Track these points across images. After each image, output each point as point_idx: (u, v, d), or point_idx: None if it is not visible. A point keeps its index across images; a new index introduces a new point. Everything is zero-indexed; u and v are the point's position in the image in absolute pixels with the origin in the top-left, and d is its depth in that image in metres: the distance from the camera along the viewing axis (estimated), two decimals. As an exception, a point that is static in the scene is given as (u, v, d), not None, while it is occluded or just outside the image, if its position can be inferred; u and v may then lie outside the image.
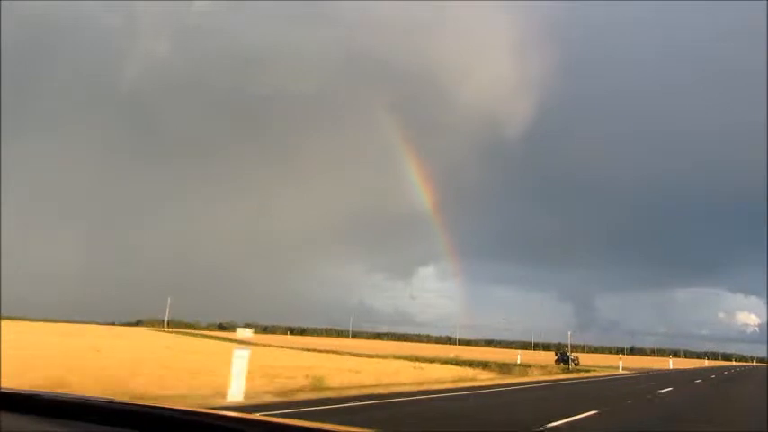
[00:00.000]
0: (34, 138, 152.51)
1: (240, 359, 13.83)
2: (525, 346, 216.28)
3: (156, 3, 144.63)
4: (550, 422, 11.59)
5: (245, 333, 20.33)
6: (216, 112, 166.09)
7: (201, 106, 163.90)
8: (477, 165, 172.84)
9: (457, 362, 45.57)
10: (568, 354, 55.20)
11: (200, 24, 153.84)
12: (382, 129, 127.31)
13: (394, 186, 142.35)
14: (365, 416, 12.27)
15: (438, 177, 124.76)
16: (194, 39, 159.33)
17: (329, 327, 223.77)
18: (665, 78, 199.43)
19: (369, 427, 2.05)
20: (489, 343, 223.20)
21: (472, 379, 28.30)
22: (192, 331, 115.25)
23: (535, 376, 34.15)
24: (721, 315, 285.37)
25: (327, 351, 54.66)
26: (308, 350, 57.33)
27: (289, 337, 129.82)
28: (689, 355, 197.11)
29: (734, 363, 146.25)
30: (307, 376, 19.54)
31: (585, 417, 13.11)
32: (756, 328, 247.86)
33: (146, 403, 2.27)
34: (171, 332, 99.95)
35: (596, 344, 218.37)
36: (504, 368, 38.97)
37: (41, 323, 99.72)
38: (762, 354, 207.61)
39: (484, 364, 41.91)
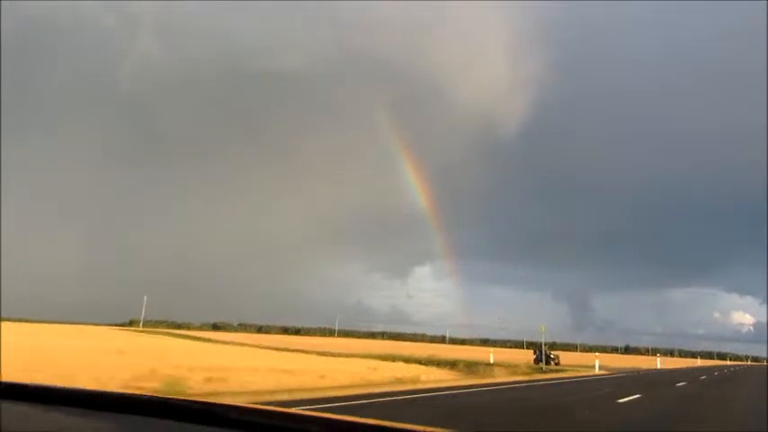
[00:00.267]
0: (32, 138, 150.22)
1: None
2: (519, 345, 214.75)
3: (154, 2, 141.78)
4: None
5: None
6: (215, 112, 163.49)
7: (201, 106, 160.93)
8: (474, 164, 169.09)
9: (425, 361, 41.70)
10: (547, 352, 50.43)
11: (199, 25, 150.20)
12: (380, 128, 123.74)
13: (391, 186, 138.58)
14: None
15: (435, 177, 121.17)
16: (193, 39, 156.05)
17: (325, 326, 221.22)
18: (665, 78, 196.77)
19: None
20: (485, 342, 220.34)
21: (413, 381, 23.98)
22: (172, 331, 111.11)
23: (495, 377, 29.73)
24: (717, 315, 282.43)
25: (298, 350, 51.30)
26: (278, 349, 53.52)
27: (276, 336, 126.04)
28: (684, 354, 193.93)
29: (728, 362, 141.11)
30: (209, 379, 16.80)
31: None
32: (751, 328, 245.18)
33: (165, 396, 2.16)
34: (142, 332, 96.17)
35: (592, 343, 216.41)
36: (471, 368, 35.51)
37: (33, 324, 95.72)
38: (757, 353, 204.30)
39: (452, 364, 38.33)
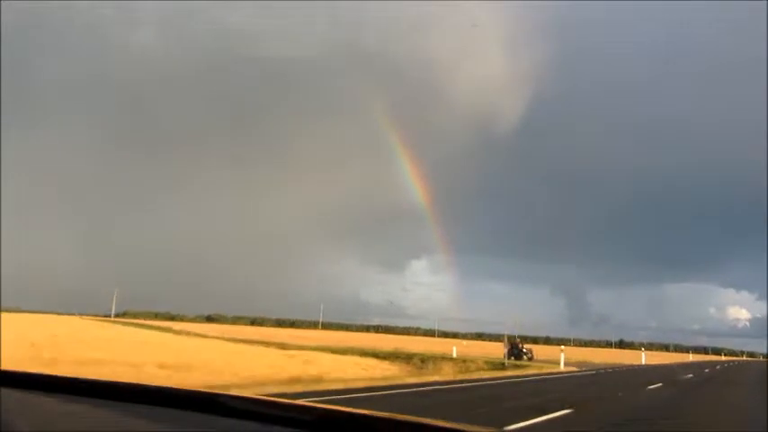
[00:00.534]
0: (25, 128, 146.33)
1: None
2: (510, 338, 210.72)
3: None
4: None
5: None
6: (212, 105, 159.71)
7: (198, 98, 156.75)
8: (470, 159, 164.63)
9: (384, 355, 37.12)
10: (520, 346, 45.37)
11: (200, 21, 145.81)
12: (377, 122, 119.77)
13: (389, 180, 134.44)
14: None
15: (432, 171, 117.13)
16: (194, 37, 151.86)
17: (316, 319, 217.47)
18: (666, 73, 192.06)
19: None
20: (479, 336, 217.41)
21: (317, 380, 19.19)
22: (142, 321, 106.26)
23: (439, 375, 24.78)
24: (712, 310, 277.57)
25: (258, 342, 48.74)
26: (235, 341, 50.28)
27: (258, 328, 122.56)
28: (679, 349, 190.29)
29: (723, 357, 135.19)
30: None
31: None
32: (747, 323, 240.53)
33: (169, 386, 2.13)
34: (114, 322, 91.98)
35: (588, 338, 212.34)
36: (426, 363, 31.82)
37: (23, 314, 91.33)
38: (752, 348, 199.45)
39: (408, 358, 34.72)
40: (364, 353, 38.43)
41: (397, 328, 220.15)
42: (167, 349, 30.54)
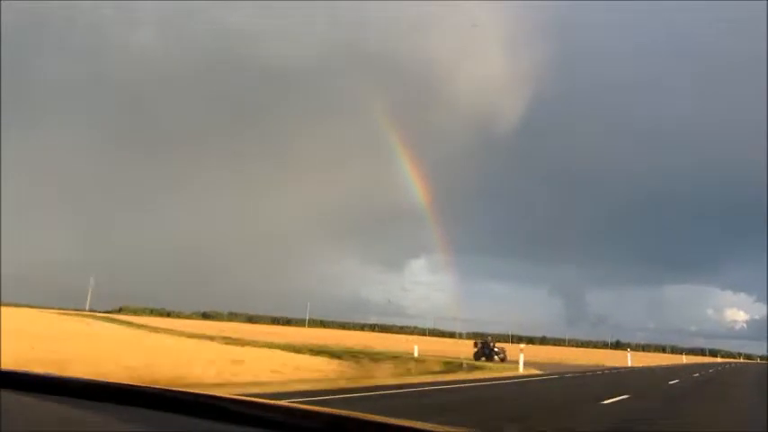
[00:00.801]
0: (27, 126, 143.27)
1: None
2: (503, 338, 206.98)
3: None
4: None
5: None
6: (213, 104, 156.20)
7: (198, 98, 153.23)
8: (470, 159, 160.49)
9: (340, 353, 33.82)
10: (491, 345, 40.47)
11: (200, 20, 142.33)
12: (377, 122, 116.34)
13: (388, 180, 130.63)
14: None
15: (432, 171, 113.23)
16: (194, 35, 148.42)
17: (316, 318, 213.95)
18: (666, 74, 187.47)
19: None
20: (478, 336, 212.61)
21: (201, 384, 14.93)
22: (116, 317, 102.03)
23: (365, 380, 20.34)
24: (710, 312, 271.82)
25: (215, 338, 45.83)
26: (193, 336, 47.41)
27: (243, 325, 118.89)
28: (676, 350, 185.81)
29: (719, 359, 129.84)
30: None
31: None
32: (745, 325, 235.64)
33: (157, 386, 2.09)
34: (86, 316, 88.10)
35: (585, 338, 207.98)
36: (377, 362, 27.31)
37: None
38: (750, 350, 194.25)
39: (363, 357, 31.18)
40: (320, 351, 35.20)
41: (393, 327, 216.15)
42: (78, 342, 27.45)
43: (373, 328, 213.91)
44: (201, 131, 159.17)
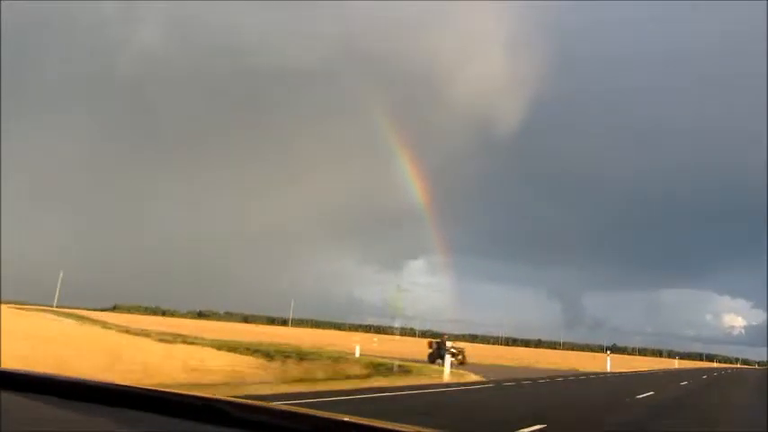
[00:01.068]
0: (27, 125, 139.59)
1: None
2: (504, 341, 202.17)
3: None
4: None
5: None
6: (213, 102, 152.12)
7: (200, 96, 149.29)
8: (470, 161, 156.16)
9: (271, 353, 30.06)
10: (447, 346, 34.73)
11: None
12: (376, 123, 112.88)
13: (388, 181, 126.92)
14: None
15: (431, 173, 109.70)
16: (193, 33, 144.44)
17: (311, 318, 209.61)
18: (665, 77, 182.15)
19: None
20: (474, 338, 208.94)
21: None
22: (77, 311, 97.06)
23: (264, 385, 15.33)
24: (708, 317, 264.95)
25: (164, 335, 43.44)
26: (138, 333, 44.48)
27: (223, 323, 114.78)
28: (673, 355, 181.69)
29: (715, 364, 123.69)
30: None
31: None
32: (742, 331, 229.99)
33: (150, 387, 2.05)
34: (51, 312, 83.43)
35: (582, 342, 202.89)
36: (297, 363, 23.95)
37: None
38: (747, 356, 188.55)
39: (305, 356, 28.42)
40: (256, 351, 31.92)
41: (386, 327, 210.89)
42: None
43: (368, 329, 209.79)
44: (200, 131, 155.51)
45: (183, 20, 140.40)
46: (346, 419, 1.62)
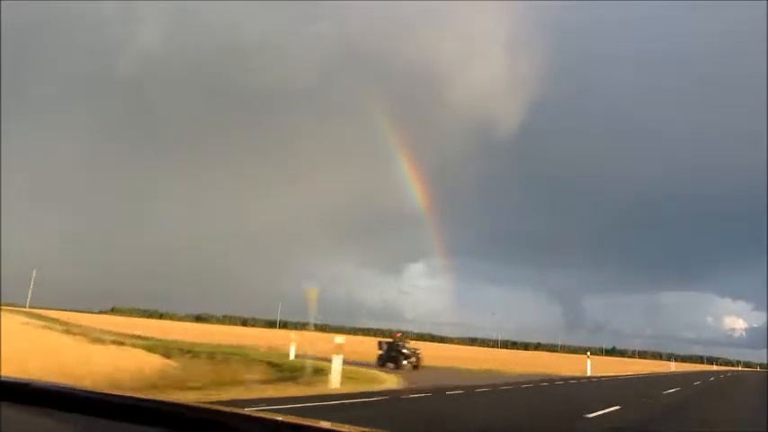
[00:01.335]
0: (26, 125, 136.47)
1: None
2: (504, 344, 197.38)
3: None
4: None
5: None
6: (212, 104, 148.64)
7: (200, 96, 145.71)
8: (469, 164, 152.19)
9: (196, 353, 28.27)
10: (399, 346, 28.26)
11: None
12: (376, 125, 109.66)
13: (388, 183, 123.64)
14: None
15: (430, 175, 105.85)
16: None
17: (308, 321, 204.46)
18: (664, 79, 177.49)
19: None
20: (473, 341, 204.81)
21: None
22: (49, 313, 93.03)
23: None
24: (709, 319, 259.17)
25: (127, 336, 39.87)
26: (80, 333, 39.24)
27: (188, 324, 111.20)
28: (674, 358, 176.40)
29: (715, 367, 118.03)
30: None
31: None
32: (743, 333, 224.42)
33: (142, 396, 1.98)
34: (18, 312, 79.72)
35: (583, 344, 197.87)
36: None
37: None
38: (748, 358, 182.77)
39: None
40: (188, 351, 29.92)
41: (383, 330, 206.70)
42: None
43: (367, 332, 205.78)
44: (200, 132, 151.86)
45: (184, 19, 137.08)
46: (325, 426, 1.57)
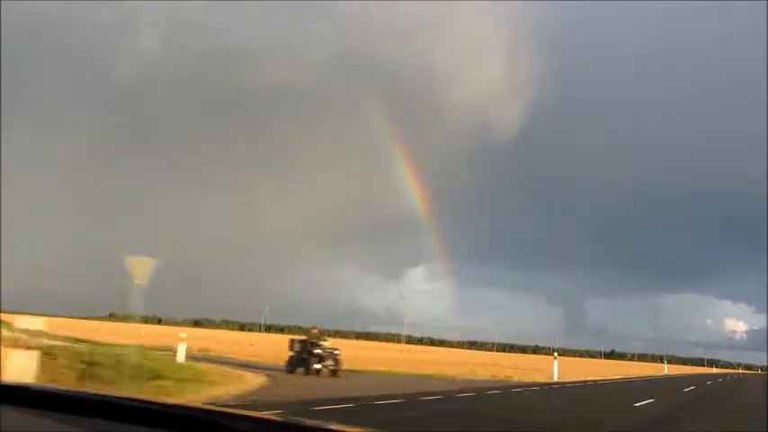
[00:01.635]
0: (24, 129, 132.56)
1: None
2: (502, 348, 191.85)
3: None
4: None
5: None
6: (209, 109, 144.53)
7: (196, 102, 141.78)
8: (469, 167, 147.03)
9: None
10: (312, 346, 21.68)
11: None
12: (375, 129, 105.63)
13: (388, 188, 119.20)
14: None
15: (430, 179, 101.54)
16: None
17: (307, 325, 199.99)
18: (663, 82, 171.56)
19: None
20: (472, 345, 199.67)
21: None
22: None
23: None
24: (709, 321, 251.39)
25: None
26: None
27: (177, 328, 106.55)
28: (675, 360, 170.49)
29: (714, 370, 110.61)
30: None
31: None
32: (744, 335, 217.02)
33: (144, 398, 1.94)
34: None
35: (583, 348, 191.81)
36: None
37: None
38: (749, 361, 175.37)
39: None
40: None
41: (381, 334, 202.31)
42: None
43: (369, 336, 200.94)
44: (198, 138, 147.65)
45: (180, 22, 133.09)
46: (333, 428, 1.56)
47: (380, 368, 26.23)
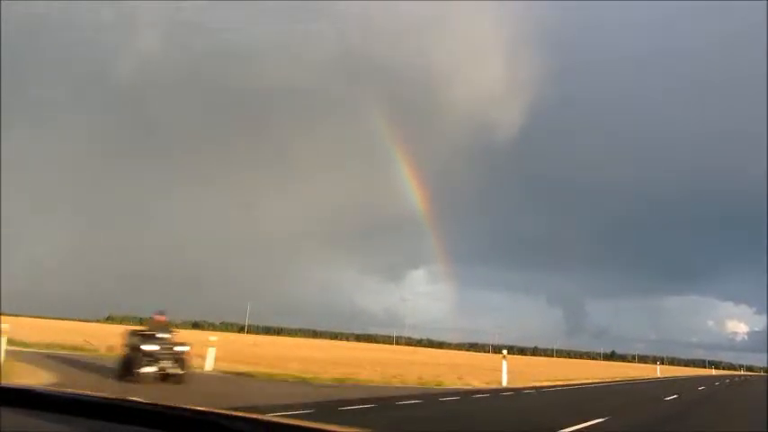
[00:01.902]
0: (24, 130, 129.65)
1: None
2: (496, 349, 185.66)
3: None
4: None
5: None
6: (208, 109, 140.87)
7: (196, 102, 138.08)
8: (469, 167, 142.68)
9: None
10: (147, 341, 15.14)
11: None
12: (375, 129, 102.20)
13: (388, 189, 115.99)
14: None
15: (430, 180, 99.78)
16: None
17: (308, 327, 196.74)
18: (663, 82, 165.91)
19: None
20: (473, 346, 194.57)
21: None
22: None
23: None
24: (711, 323, 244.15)
25: None
26: None
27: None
28: (675, 362, 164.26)
29: (714, 372, 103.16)
30: None
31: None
32: (745, 337, 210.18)
33: (143, 400, 1.87)
34: None
35: (584, 349, 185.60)
36: None
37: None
38: (750, 362, 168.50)
39: None
40: None
41: (379, 336, 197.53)
42: None
43: (369, 338, 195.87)
44: (198, 138, 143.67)
45: (180, 22, 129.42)
46: (333, 428, 1.46)
47: (276, 371, 20.50)
